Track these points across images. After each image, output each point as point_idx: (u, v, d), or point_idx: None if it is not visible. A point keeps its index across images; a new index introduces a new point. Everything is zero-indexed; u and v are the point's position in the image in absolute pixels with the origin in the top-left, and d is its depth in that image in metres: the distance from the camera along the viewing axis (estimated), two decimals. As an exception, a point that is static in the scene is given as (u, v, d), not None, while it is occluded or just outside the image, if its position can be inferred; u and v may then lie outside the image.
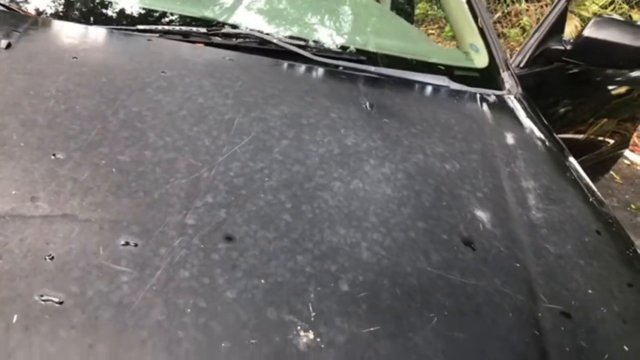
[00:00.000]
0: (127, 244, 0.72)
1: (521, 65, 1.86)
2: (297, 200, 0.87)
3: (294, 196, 0.87)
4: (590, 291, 0.93)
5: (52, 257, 0.68)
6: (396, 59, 1.42)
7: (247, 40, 1.26)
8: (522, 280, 0.89)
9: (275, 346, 0.65)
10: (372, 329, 0.71)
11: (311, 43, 1.33)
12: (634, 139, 4.86)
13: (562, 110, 2.17)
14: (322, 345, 0.67)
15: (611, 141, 2.64)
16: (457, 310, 0.79)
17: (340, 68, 1.29)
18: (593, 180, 3.03)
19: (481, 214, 0.99)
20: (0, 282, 0.64)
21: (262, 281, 0.72)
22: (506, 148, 1.25)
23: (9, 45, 1.02)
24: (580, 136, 2.41)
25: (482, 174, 1.10)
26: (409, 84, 1.34)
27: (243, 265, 0.73)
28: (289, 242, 0.79)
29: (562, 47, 1.88)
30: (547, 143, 1.36)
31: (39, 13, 1.18)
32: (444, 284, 0.82)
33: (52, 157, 0.82)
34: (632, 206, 3.80)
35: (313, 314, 0.70)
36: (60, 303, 0.63)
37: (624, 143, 2.78)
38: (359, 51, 1.38)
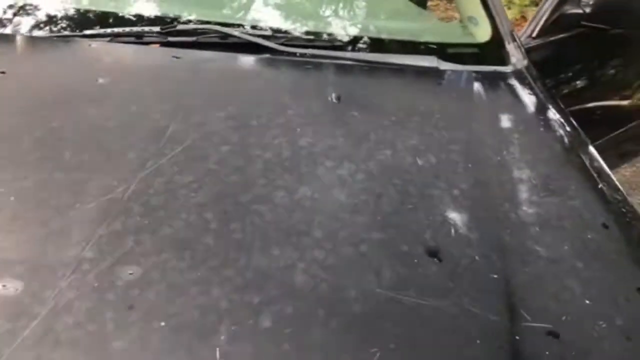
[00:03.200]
0: (5, 287, 0.63)
1: (534, 35, 1.67)
2: (226, 217, 0.76)
3: (224, 213, 0.76)
4: (587, 302, 0.78)
5: None
6: (378, 42, 1.28)
7: (206, 35, 1.15)
8: (499, 295, 0.74)
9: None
10: None
11: (277, 31, 1.20)
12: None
13: (598, 76, 1.95)
14: None
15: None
16: (409, 340, 0.66)
17: (311, 57, 1.16)
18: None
19: (455, 216, 0.85)
20: None
21: (163, 324, 0.61)
22: (500, 133, 1.09)
23: None
24: (626, 102, 2.18)
25: (464, 167, 0.95)
26: (389, 69, 1.20)
27: (142, 305, 0.63)
28: (205, 271, 0.68)
29: (580, 11, 1.68)
30: (552, 122, 1.19)
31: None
32: (396, 308, 0.69)
33: None
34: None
35: None
36: None
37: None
38: (334, 36, 1.24)
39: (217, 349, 0.60)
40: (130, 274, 0.66)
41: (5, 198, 0.73)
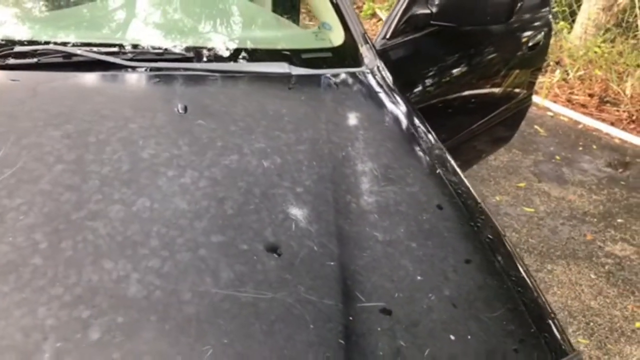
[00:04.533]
0: None
1: (387, 36, 1.77)
2: (57, 236, 0.75)
3: (54, 232, 0.75)
4: (419, 278, 0.85)
5: None
6: (231, 52, 1.30)
7: (49, 56, 1.12)
8: (334, 282, 0.79)
9: None
10: None
11: (125, 47, 1.20)
12: (555, 89, 4.88)
13: (465, 69, 2.10)
14: None
15: (523, 91, 2.61)
16: (242, 334, 0.69)
17: (160, 71, 1.17)
18: (512, 132, 2.98)
19: (297, 212, 0.89)
20: None
21: None
22: (346, 131, 1.16)
23: None
24: (497, 89, 2.37)
25: (308, 165, 1.00)
26: (240, 77, 1.23)
27: None
28: (31, 293, 0.67)
29: (428, 11, 1.80)
30: (398, 117, 1.28)
31: None
32: (230, 305, 0.72)
33: None
34: (557, 157, 3.81)
35: None
36: None
37: (530, 95, 2.76)
38: (185, 48, 1.26)
39: None
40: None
41: None
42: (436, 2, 1.80)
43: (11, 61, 1.09)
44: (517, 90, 2.59)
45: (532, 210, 3.15)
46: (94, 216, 0.79)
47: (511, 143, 3.44)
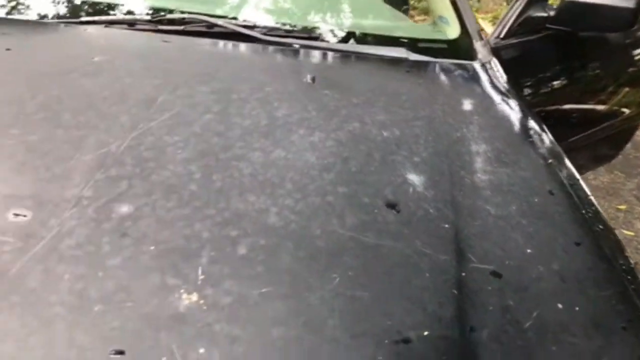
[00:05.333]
0: (17, 215, 0.72)
1: (501, 36, 1.80)
2: (209, 170, 0.85)
3: (206, 167, 0.86)
4: (529, 250, 0.88)
5: None
6: (352, 35, 1.39)
7: (194, 24, 1.26)
8: (449, 241, 0.85)
9: (152, 308, 0.64)
10: (263, 290, 0.69)
11: (260, 23, 1.32)
12: (666, 114, 4.60)
13: (570, 78, 2.07)
14: (205, 307, 0.65)
15: (632, 110, 2.51)
16: (365, 271, 0.76)
17: (290, 46, 1.28)
18: (615, 151, 2.85)
19: (414, 178, 0.95)
20: None
21: (152, 248, 0.71)
22: (461, 114, 1.20)
23: None
24: (602, 107, 2.32)
25: (425, 139, 1.06)
26: (360, 57, 1.31)
27: (134, 233, 0.73)
28: (189, 210, 0.78)
29: (545, 14, 1.81)
30: (511, 109, 1.31)
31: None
32: (355, 245, 0.79)
33: None
34: (662, 182, 3.61)
35: (201, 277, 0.69)
36: None
37: (639, 114, 2.65)
38: (312, 28, 1.36)
39: (200, 268, 0.70)
40: (124, 210, 0.76)
41: (15, 149, 0.83)
42: (554, 6, 1.81)
43: (163, 27, 1.24)
44: (624, 108, 2.50)
45: (632, 233, 3.01)
46: (238, 158, 0.89)
47: (613, 164, 3.30)
